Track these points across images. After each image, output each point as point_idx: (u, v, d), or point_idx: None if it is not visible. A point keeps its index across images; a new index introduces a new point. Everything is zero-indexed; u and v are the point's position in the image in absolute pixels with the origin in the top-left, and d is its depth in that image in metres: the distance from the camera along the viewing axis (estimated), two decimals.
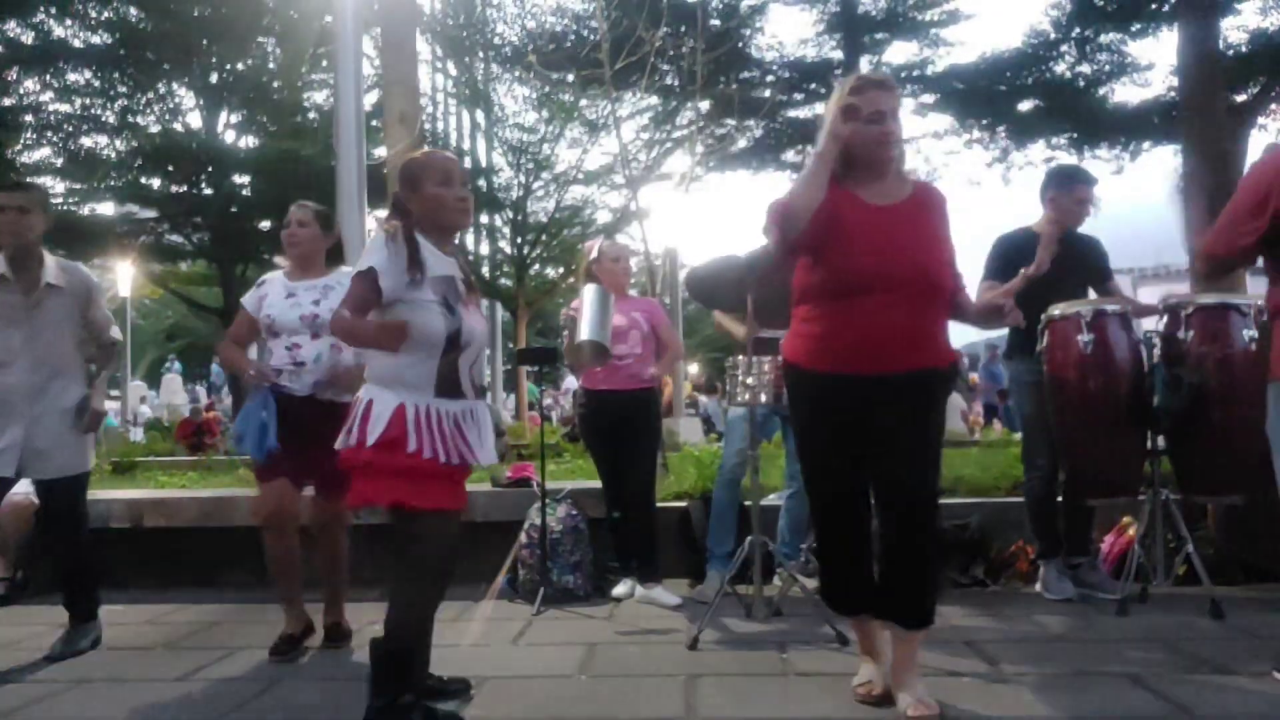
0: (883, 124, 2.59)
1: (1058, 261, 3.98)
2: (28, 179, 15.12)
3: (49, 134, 15.42)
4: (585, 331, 3.87)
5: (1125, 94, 14.65)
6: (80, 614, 3.61)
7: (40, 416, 3.45)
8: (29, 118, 15.12)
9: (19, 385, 3.43)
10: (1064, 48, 13.95)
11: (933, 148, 15.91)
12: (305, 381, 3.40)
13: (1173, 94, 12.41)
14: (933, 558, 2.65)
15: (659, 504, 4.52)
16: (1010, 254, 4.10)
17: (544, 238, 17.18)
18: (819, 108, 17.38)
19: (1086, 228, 4.25)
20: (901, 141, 2.67)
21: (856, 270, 2.55)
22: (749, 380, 3.72)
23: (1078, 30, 13.64)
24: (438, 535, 2.53)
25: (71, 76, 15.24)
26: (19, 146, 15.18)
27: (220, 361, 3.75)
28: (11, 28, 14.46)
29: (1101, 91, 14.39)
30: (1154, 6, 12.92)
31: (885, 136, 2.60)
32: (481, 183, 15.50)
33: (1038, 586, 4.17)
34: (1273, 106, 12.85)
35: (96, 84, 15.35)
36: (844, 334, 2.58)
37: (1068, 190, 4.18)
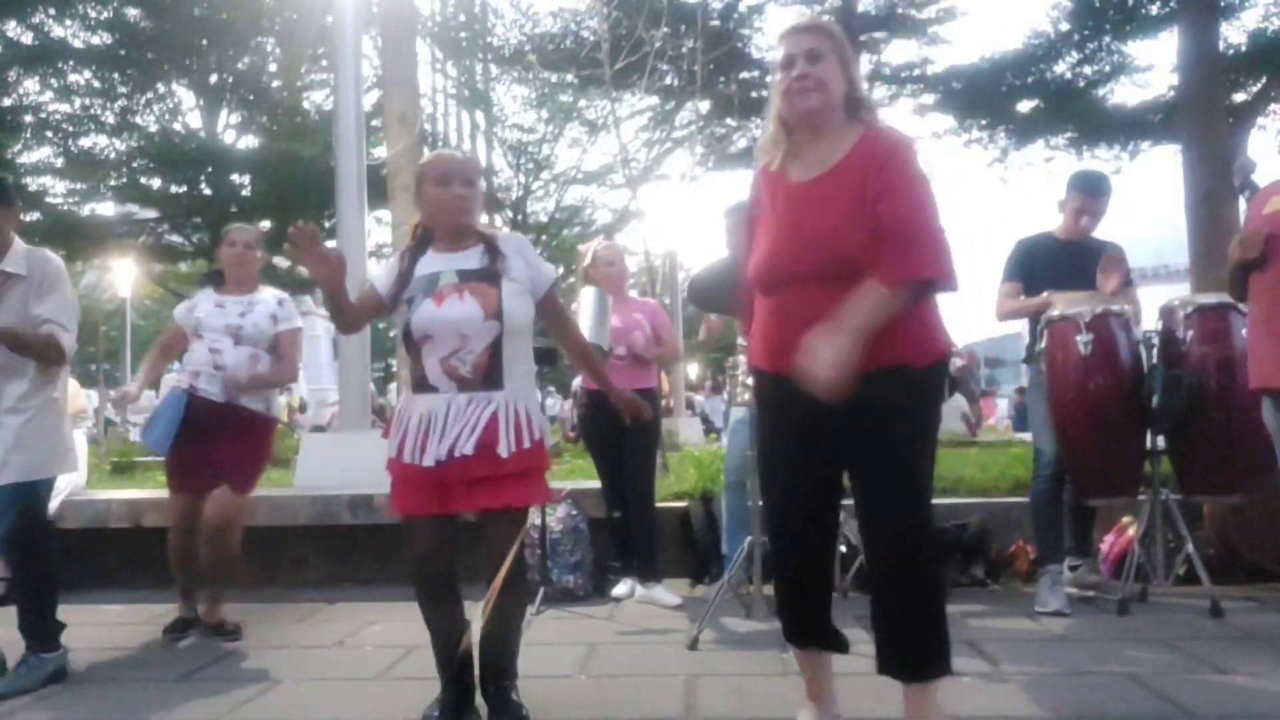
0: (791, 70, 2.18)
1: (1072, 266, 3.99)
2: (27, 179, 15.19)
3: (49, 134, 15.43)
4: (584, 334, 3.88)
5: (1125, 94, 14.61)
6: (40, 638, 3.11)
7: None
8: (29, 118, 15.12)
9: None
10: (1064, 48, 13.93)
11: (932, 148, 15.92)
12: (221, 386, 3.61)
13: (1173, 94, 12.41)
14: (924, 596, 2.14)
15: (659, 504, 4.52)
16: (1029, 258, 4.10)
17: (544, 238, 17.22)
18: None
19: None
20: (829, 85, 2.18)
21: (767, 265, 2.25)
22: (749, 380, 3.72)
23: (1078, 30, 13.62)
24: (411, 536, 2.55)
25: (71, 76, 15.26)
26: (19, 146, 15.18)
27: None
28: (11, 28, 14.47)
29: (1101, 92, 14.39)
30: (1154, 6, 12.92)
31: (790, 84, 2.18)
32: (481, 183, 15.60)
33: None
34: (1273, 106, 12.86)
35: (96, 84, 15.37)
36: (772, 333, 2.26)
37: (1076, 195, 4.05)
